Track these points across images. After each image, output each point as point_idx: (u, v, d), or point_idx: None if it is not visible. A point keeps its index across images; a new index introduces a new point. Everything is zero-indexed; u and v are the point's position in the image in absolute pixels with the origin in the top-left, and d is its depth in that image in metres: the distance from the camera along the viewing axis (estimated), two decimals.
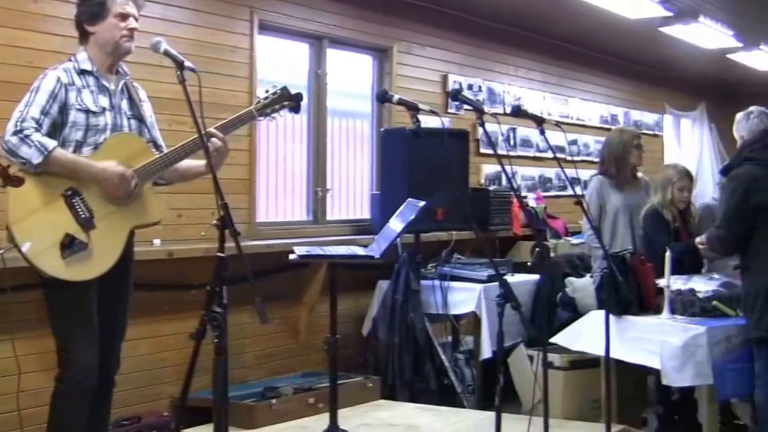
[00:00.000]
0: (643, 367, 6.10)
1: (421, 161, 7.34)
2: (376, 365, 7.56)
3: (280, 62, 7.69)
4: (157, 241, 6.21)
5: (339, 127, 8.36)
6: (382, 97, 5.23)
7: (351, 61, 8.50)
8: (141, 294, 5.55)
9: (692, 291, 6.01)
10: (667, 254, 6.00)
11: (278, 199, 7.73)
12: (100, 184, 4.44)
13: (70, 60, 4.60)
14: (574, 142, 11.54)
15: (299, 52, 7.87)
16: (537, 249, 6.58)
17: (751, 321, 5.62)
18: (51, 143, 4.32)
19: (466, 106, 5.92)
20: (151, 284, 6.13)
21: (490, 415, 4.42)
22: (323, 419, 5.35)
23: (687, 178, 7.00)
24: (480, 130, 4.93)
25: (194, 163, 4.73)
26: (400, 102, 4.89)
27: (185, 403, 4.09)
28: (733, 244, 5.83)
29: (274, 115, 4.71)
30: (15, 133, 4.30)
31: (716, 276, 6.25)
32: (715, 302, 5.93)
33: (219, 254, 3.65)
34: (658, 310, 6.06)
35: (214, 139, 4.51)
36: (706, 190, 12.46)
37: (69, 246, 4.32)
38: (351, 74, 8.52)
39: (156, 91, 5.49)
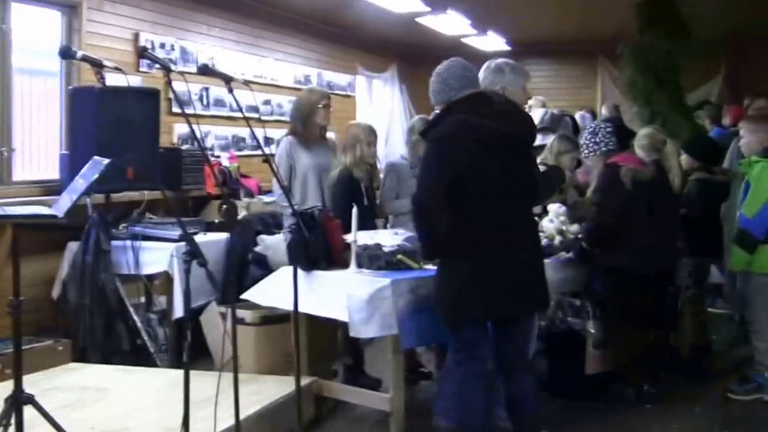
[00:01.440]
0: (333, 320, 6.23)
1: (110, 120, 7.22)
2: (66, 328, 7.42)
3: None
4: None
5: (30, 85, 8.11)
6: (65, 53, 5.10)
7: (38, 17, 8.22)
8: None
9: (378, 245, 6.21)
10: (354, 210, 6.16)
11: None
12: None
13: None
14: (267, 102, 11.65)
15: None
16: (224, 207, 6.62)
17: (444, 301, 5.37)
18: None
19: (157, 65, 5.88)
20: None
21: (182, 374, 4.43)
22: (9, 385, 5.21)
23: (373, 134, 7.27)
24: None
25: None
26: (84, 59, 4.80)
27: None
28: None
29: None
30: None
31: (400, 231, 6.48)
32: (399, 256, 6.11)
33: None
34: (346, 265, 6.20)
35: None
36: (396, 149, 12.82)
37: None
38: (39, 30, 8.25)
39: None
